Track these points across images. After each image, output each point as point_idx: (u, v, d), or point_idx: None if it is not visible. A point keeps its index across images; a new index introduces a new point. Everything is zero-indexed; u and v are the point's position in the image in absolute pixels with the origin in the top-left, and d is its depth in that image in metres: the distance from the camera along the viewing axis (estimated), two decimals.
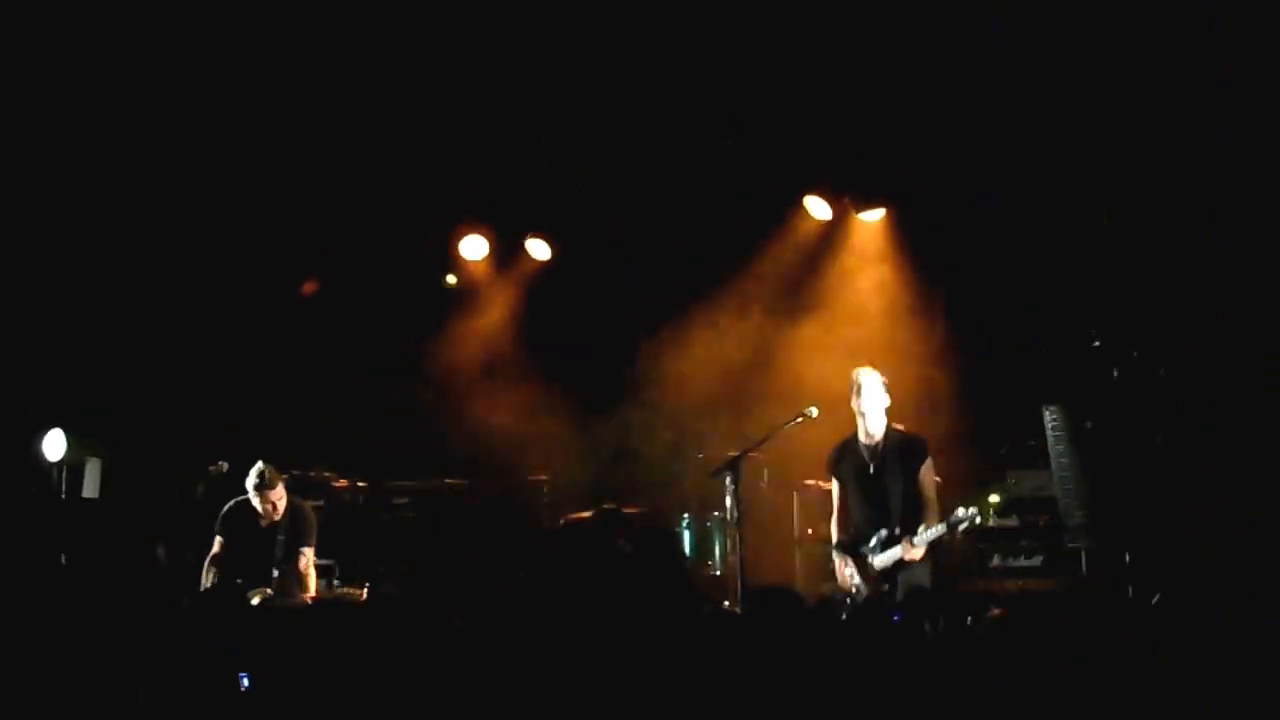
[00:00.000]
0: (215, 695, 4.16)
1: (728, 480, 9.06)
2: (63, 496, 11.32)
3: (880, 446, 8.66)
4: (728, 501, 9.27)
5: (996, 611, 5.31)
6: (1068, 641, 4.64)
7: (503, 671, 3.91)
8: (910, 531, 8.36)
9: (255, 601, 8.88)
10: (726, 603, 9.86)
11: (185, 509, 10.51)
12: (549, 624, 4.30)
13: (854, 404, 8.70)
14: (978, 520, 8.23)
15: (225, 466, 10.25)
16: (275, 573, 9.11)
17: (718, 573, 10.89)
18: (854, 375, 8.77)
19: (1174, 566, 8.23)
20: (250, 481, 9.24)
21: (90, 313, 11.31)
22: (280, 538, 9.21)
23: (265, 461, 9.35)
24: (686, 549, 11.09)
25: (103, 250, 11.26)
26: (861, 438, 8.74)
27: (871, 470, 8.64)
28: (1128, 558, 8.71)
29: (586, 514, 10.96)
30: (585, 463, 12.04)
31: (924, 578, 8.35)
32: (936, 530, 8.27)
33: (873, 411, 8.66)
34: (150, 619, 4.75)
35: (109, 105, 10.47)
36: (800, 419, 8.94)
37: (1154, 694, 4.39)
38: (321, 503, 10.11)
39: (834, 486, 8.95)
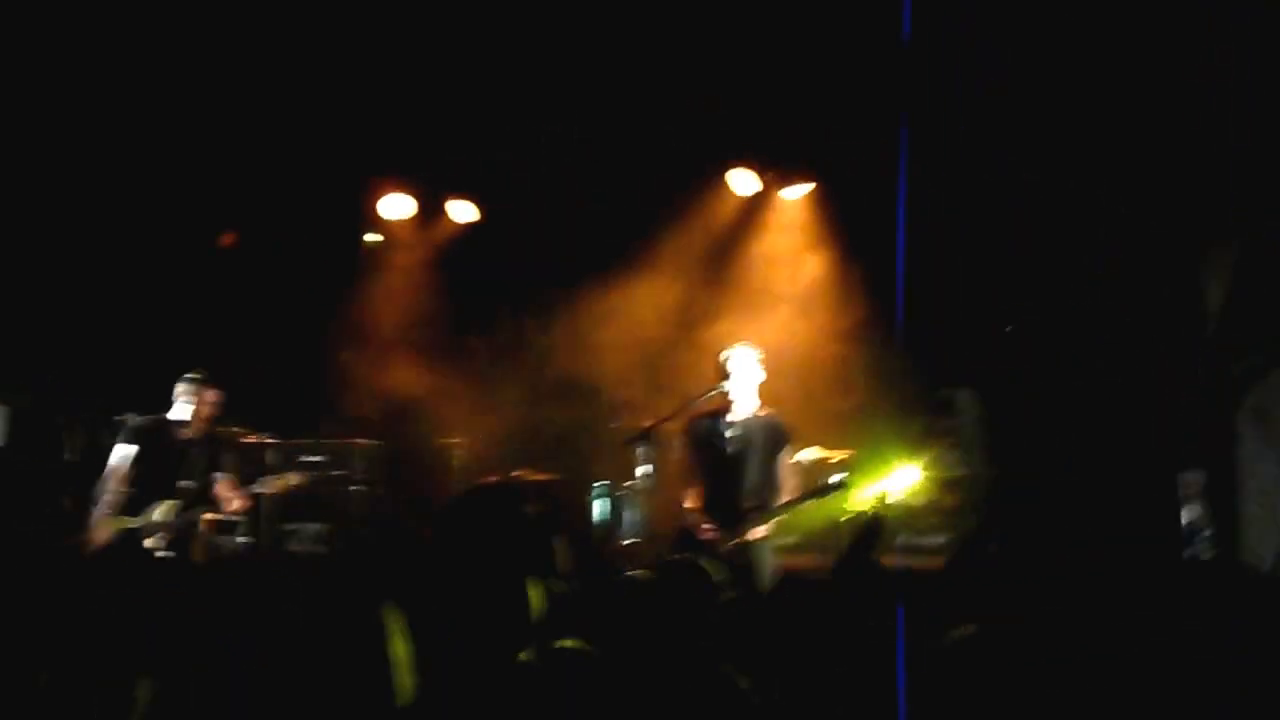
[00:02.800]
0: (131, 654, 4.13)
1: (640, 450, 9.09)
2: None
3: (745, 426, 8.45)
4: (639, 471, 9.31)
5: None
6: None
7: (419, 632, 3.92)
8: (759, 511, 8.22)
9: (156, 516, 8.53)
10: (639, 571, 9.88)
11: (90, 458, 10.35)
12: (454, 589, 4.30)
13: (725, 378, 8.46)
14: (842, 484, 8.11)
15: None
16: (181, 483, 8.70)
17: (627, 542, 10.95)
18: (728, 350, 8.55)
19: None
20: (188, 378, 8.91)
21: None
22: (194, 451, 8.87)
23: None
24: (597, 517, 11.13)
25: (11, 198, 11.03)
26: (727, 414, 8.53)
27: (729, 450, 8.42)
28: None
29: (494, 479, 10.97)
30: (498, 428, 12.02)
31: (766, 559, 8.21)
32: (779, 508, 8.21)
33: (744, 389, 8.45)
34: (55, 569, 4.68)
35: (19, 53, 10.23)
36: (715, 391, 8.95)
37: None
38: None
39: (689, 455, 8.66)
